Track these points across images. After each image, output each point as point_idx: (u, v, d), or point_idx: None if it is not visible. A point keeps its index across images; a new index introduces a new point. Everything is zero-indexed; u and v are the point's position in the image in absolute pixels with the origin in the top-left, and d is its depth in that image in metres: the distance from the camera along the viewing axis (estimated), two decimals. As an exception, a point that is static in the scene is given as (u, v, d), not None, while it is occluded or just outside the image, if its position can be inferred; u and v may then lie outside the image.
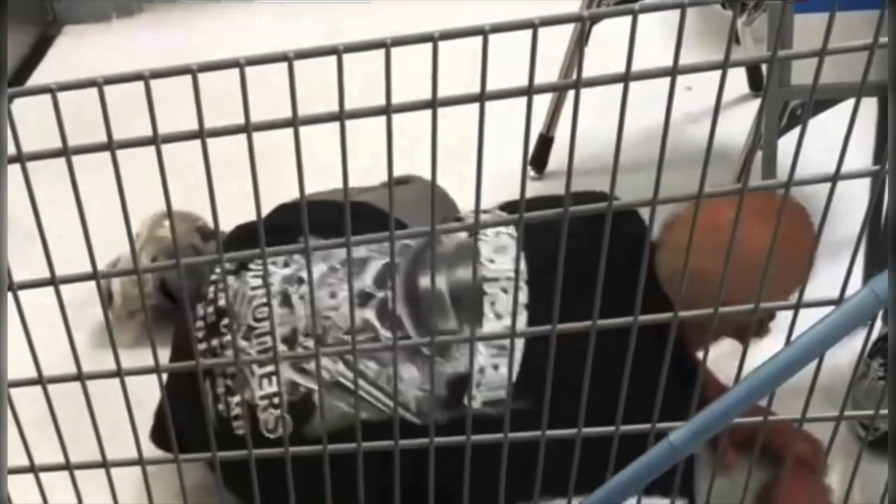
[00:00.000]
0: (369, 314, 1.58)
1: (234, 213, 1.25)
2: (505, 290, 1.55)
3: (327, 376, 1.54)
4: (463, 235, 1.66)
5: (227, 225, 1.74)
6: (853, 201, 1.54)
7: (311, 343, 1.56)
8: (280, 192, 1.22)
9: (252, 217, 0.92)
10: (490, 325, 1.53)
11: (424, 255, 1.64)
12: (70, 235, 1.02)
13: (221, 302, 1.66)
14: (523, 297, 1.53)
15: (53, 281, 0.90)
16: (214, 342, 1.64)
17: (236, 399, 1.57)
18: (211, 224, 2.09)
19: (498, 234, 1.63)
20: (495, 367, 1.50)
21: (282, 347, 1.58)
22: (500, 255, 1.60)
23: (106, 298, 1.99)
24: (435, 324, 1.55)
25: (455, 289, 1.58)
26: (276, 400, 1.55)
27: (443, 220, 1.69)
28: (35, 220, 0.87)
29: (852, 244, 0.94)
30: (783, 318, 0.96)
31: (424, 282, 1.59)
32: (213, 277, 1.70)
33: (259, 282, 1.66)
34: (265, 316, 1.61)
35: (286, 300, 1.61)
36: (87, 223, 0.89)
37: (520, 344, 1.47)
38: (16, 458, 1.01)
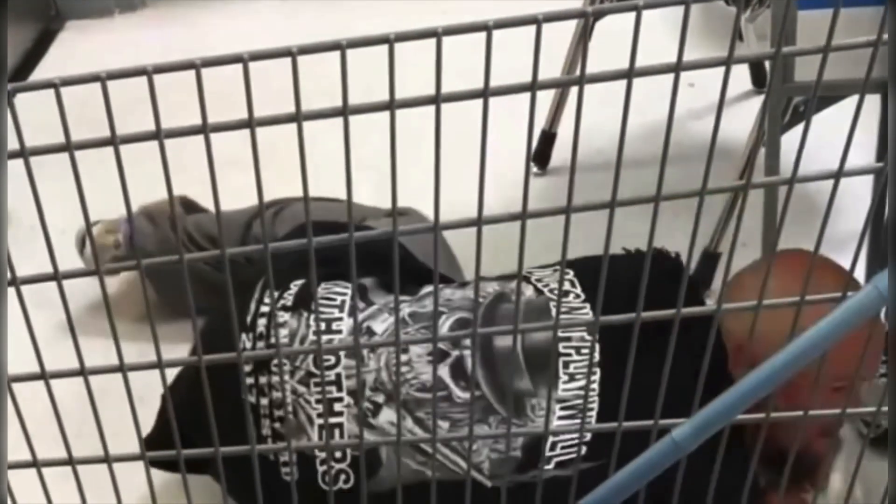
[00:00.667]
0: (443, 372, 1.52)
1: (235, 205, 1.25)
2: (578, 350, 1.52)
3: (394, 431, 1.48)
4: (530, 293, 1.61)
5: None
6: (856, 198, 1.54)
7: (378, 398, 1.50)
8: (282, 187, 1.22)
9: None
10: (563, 386, 1.49)
11: (496, 313, 1.59)
12: (73, 231, 1.03)
13: (274, 339, 1.56)
14: (596, 356, 1.50)
15: (56, 276, 0.90)
16: (263, 379, 1.54)
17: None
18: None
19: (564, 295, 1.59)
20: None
21: (348, 399, 1.51)
22: (568, 314, 1.56)
23: (79, 246, 1.97)
24: (510, 385, 1.50)
25: (529, 349, 1.53)
26: (338, 454, 1.49)
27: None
28: (38, 215, 0.87)
29: (855, 241, 0.93)
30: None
31: (500, 342, 1.53)
32: (263, 310, 1.60)
33: (324, 326, 1.58)
34: (332, 364, 1.53)
35: (356, 353, 1.56)
36: (89, 219, 0.89)
37: (595, 405, 1.45)
38: (18, 453, 1.01)
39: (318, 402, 1.50)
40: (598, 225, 0.88)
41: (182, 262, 0.88)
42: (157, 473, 1.06)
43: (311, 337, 1.55)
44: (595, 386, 1.47)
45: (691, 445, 0.87)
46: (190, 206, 2.07)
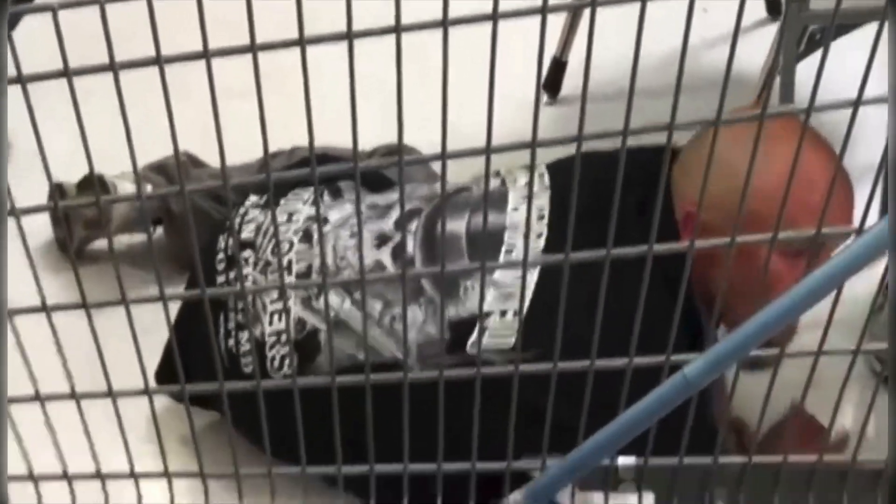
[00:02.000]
0: (384, 255, 1.55)
1: (241, 136, 1.23)
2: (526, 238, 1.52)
3: (333, 314, 1.52)
4: (495, 184, 1.62)
5: (233, 148, 1.72)
6: (873, 129, 1.51)
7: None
8: (287, 115, 1.20)
9: (258, 141, 0.90)
10: (503, 273, 1.49)
11: (451, 201, 1.61)
12: (74, 156, 1.01)
13: (244, 234, 1.65)
14: (542, 242, 1.50)
15: (56, 207, 0.89)
16: (232, 274, 1.63)
17: (247, 335, 1.56)
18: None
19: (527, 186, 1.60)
20: (503, 312, 1.46)
21: (314, 277, 1.56)
22: (526, 203, 1.56)
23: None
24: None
25: (473, 234, 1.55)
26: (283, 337, 1.54)
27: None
28: (36, 142, 0.86)
29: (872, 173, 0.91)
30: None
31: (438, 230, 1.55)
32: (242, 210, 1.68)
33: (284, 217, 1.65)
34: (285, 251, 1.60)
35: (307, 237, 1.60)
36: (89, 147, 0.87)
37: (529, 292, 1.44)
38: (20, 388, 1.01)
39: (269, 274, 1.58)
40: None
41: (183, 193, 0.87)
42: (159, 407, 1.05)
43: (272, 228, 1.62)
44: (535, 276, 1.45)
45: (703, 382, 0.85)
46: (195, 162, 2.07)
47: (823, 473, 1.08)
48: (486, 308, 1.46)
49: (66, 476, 1.12)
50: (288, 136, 1.57)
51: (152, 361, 1.51)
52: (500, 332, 1.45)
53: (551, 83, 2.45)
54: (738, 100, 1.89)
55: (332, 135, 1.25)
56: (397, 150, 1.83)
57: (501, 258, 1.50)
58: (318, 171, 0.86)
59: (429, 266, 1.53)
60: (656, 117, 0.84)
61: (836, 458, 1.11)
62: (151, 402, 1.03)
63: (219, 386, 1.01)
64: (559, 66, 2.44)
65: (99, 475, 1.12)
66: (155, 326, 1.09)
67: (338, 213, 1.64)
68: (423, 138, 1.36)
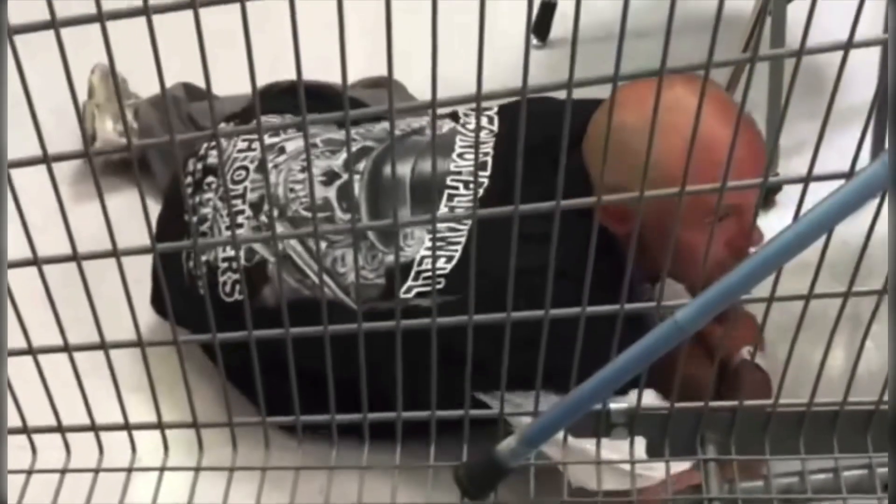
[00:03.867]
0: (331, 193, 1.58)
1: (231, 83, 1.23)
2: (467, 185, 1.54)
3: (281, 247, 1.55)
4: (446, 129, 1.64)
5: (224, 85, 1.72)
6: (866, 68, 1.50)
7: (305, 213, 1.58)
8: (277, 61, 1.19)
9: (246, 87, 0.89)
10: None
11: (399, 144, 1.63)
12: (63, 111, 1.00)
13: (210, 160, 1.69)
14: (480, 192, 1.51)
15: (46, 159, 0.88)
16: (198, 198, 1.67)
17: (203, 258, 1.60)
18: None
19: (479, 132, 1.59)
20: (442, 258, 1.48)
21: (249, 212, 1.60)
22: (473, 150, 1.56)
23: (89, 137, 1.99)
24: (390, 209, 1.52)
25: (417, 179, 1.57)
26: (234, 264, 1.57)
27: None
28: (26, 97, 0.85)
29: (864, 115, 0.91)
30: (793, 190, 0.93)
31: (389, 169, 1.58)
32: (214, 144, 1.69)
33: (245, 145, 1.68)
34: (241, 179, 1.63)
35: (262, 167, 1.63)
36: (77, 97, 0.87)
37: (463, 239, 1.47)
38: (14, 341, 1.00)
39: (227, 215, 1.62)
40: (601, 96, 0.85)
41: (173, 144, 0.86)
42: (153, 361, 1.06)
43: (234, 154, 1.67)
44: (469, 223, 1.47)
45: (694, 327, 0.86)
46: (193, 92, 2.05)
47: (813, 416, 1.09)
48: (422, 254, 1.49)
49: (60, 428, 1.12)
50: (275, 72, 1.57)
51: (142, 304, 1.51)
52: (430, 276, 1.47)
53: (540, 26, 2.43)
54: (729, 41, 1.88)
55: (319, 71, 1.24)
56: (379, 82, 1.83)
57: (443, 204, 1.53)
58: (308, 118, 0.86)
59: (372, 208, 1.55)
60: (646, 58, 0.83)
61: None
62: (144, 354, 1.03)
63: (211, 337, 1.02)
64: (548, 7, 2.42)
65: (93, 427, 1.12)
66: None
67: (294, 144, 1.67)
68: (407, 72, 1.35)
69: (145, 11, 0.79)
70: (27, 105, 0.85)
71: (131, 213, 1.11)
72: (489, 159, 1.55)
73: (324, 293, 1.49)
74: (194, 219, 1.64)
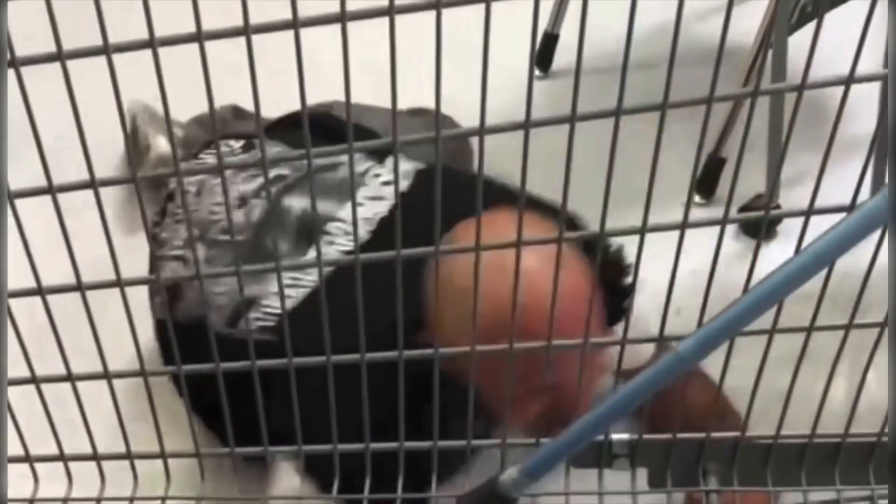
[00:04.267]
0: (239, 217, 1.63)
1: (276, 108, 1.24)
2: (345, 233, 1.57)
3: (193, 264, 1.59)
4: (362, 169, 1.66)
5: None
6: (867, 100, 1.51)
7: (221, 237, 1.64)
8: (281, 95, 1.20)
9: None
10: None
11: (306, 180, 1.64)
12: (67, 138, 1.01)
13: (171, 184, 1.78)
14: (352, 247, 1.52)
15: (51, 189, 0.89)
16: (160, 227, 1.76)
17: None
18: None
19: (388, 185, 1.63)
20: (288, 297, 1.49)
21: (196, 232, 1.66)
22: (373, 203, 1.60)
23: (132, 149, 2.05)
24: (274, 241, 1.60)
25: (305, 216, 1.60)
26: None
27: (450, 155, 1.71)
28: (31, 126, 0.86)
29: (865, 145, 0.92)
30: (795, 224, 0.94)
31: (287, 202, 1.62)
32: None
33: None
34: (179, 203, 1.73)
35: (200, 190, 1.70)
36: (83, 129, 0.87)
37: (308, 290, 1.50)
38: (16, 370, 1.01)
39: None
40: (602, 131, 0.86)
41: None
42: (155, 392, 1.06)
43: (200, 177, 1.75)
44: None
45: (696, 359, 0.86)
46: (240, 114, 2.08)
47: (815, 448, 1.09)
48: (272, 289, 1.52)
49: (62, 457, 1.12)
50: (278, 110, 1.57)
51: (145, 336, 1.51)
52: (272, 312, 1.50)
53: (543, 58, 2.44)
54: (729, 73, 1.89)
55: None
56: (421, 112, 1.82)
57: (321, 246, 1.53)
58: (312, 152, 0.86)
59: (253, 238, 1.61)
60: (648, 89, 0.83)
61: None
62: (147, 383, 1.03)
63: (214, 367, 1.02)
64: (550, 39, 2.44)
65: (95, 457, 1.12)
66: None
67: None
68: (451, 103, 1.35)
69: (151, 44, 0.80)
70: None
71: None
72: (377, 219, 1.57)
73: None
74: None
